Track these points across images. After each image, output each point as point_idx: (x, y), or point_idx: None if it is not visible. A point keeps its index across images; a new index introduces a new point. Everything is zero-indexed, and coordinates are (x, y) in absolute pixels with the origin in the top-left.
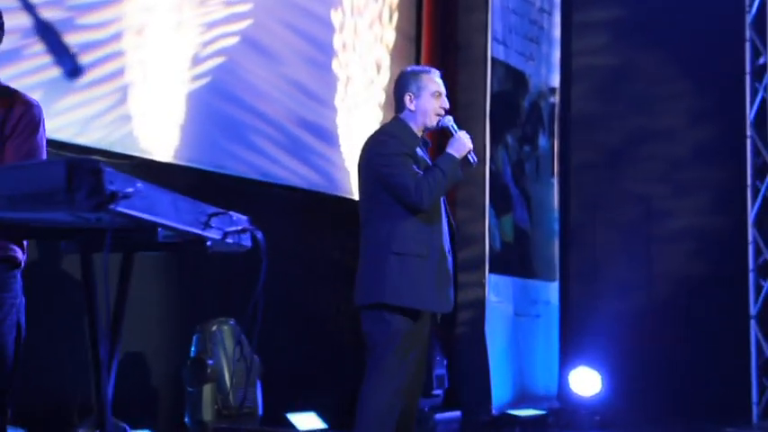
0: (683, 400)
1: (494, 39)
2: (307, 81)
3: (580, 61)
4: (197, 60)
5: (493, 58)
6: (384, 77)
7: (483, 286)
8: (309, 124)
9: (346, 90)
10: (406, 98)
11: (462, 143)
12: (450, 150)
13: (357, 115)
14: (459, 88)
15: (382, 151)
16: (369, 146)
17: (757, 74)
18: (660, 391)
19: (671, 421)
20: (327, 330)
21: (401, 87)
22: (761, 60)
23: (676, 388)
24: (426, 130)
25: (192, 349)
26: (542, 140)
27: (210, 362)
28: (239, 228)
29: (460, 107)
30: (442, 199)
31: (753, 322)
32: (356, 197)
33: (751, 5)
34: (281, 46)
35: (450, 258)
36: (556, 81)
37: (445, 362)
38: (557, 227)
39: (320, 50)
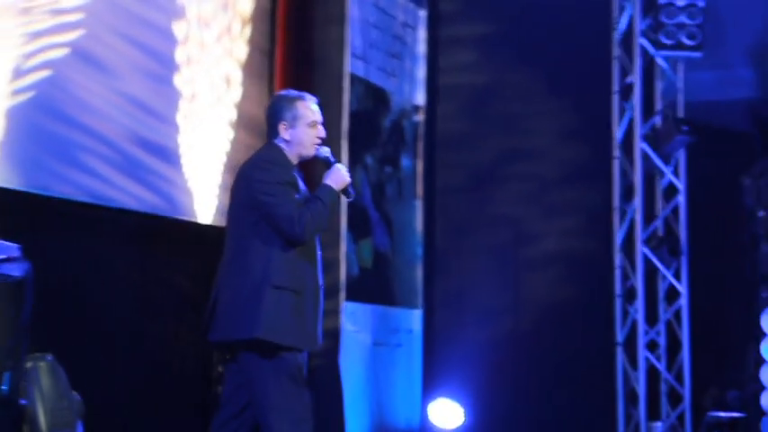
0: (549, 431)
1: (353, 54)
2: (145, 97)
3: (446, 79)
4: (19, 73)
5: (352, 75)
6: (235, 93)
7: (338, 315)
8: (148, 143)
9: (190, 107)
10: (281, 127)
11: (341, 175)
12: (328, 182)
13: (202, 134)
14: None
15: (265, 178)
16: (248, 171)
17: (625, 93)
18: (525, 421)
19: None
20: (165, 361)
21: (274, 114)
22: (628, 79)
23: (542, 418)
24: (302, 159)
25: (3, 388)
26: (405, 161)
27: (24, 402)
28: (3, 257)
29: None
30: None
31: (619, 349)
32: (201, 220)
33: (619, 23)
34: (117, 59)
35: (321, 293)
36: (420, 99)
37: None
38: (420, 251)
39: (161, 64)
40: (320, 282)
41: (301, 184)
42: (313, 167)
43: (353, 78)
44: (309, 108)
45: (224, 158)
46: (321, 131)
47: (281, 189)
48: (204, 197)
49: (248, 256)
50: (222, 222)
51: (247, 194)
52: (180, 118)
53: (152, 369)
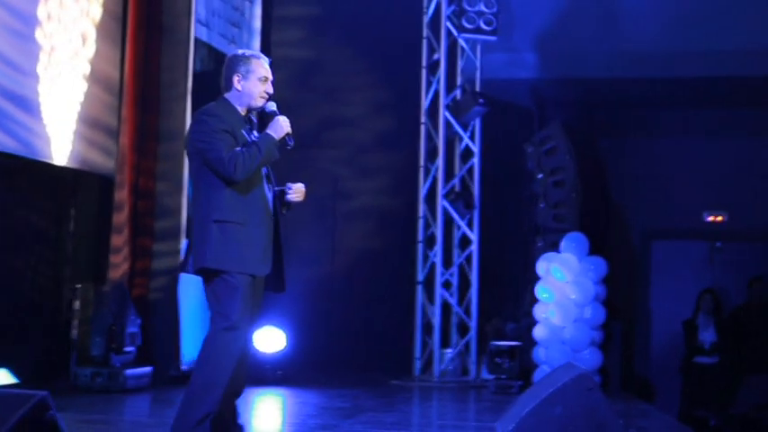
0: (357, 356)
1: (197, 20)
2: (6, 50)
3: (278, 52)
4: None
5: (196, 39)
6: (89, 50)
7: (178, 255)
8: (7, 92)
9: (50, 59)
10: (235, 78)
11: (281, 126)
12: (269, 131)
13: (61, 84)
14: (162, 68)
15: (201, 128)
16: (191, 126)
17: (432, 68)
18: (337, 348)
19: (346, 375)
20: (22, 291)
21: (230, 68)
22: (435, 57)
23: (352, 346)
24: (251, 110)
25: None
26: None
27: None
28: None
29: (163, 87)
30: (264, 171)
31: (419, 287)
32: (57, 163)
33: (428, 8)
34: None
35: (278, 227)
36: None
37: (139, 321)
38: None
39: (22, 20)
40: (269, 214)
41: (246, 132)
42: None
43: (197, 42)
44: (262, 65)
45: (78, 109)
46: (269, 87)
47: (214, 137)
48: (60, 143)
49: (198, 197)
50: (76, 166)
51: (190, 145)
52: (40, 69)
53: (10, 299)
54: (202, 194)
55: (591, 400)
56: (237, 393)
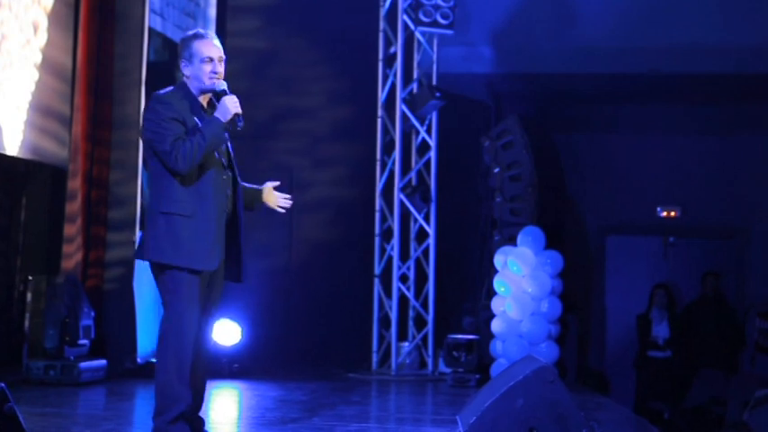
0: (314, 350)
1: (152, 10)
2: None
3: (233, 42)
4: None
5: (150, 29)
6: (41, 38)
7: (132, 245)
8: None
9: (0, 48)
10: (181, 64)
11: (227, 108)
12: (216, 114)
13: (12, 74)
14: (116, 57)
15: (149, 116)
16: (144, 112)
17: (389, 61)
18: (294, 341)
19: (303, 368)
20: None
21: (178, 54)
22: (392, 50)
23: (309, 339)
24: (204, 92)
25: None
26: None
27: None
28: None
29: (117, 75)
30: (220, 158)
31: (376, 281)
32: (9, 153)
33: (384, 1)
34: None
35: (237, 216)
36: None
37: (93, 313)
38: None
39: None
40: (224, 205)
41: (198, 117)
42: None
43: (152, 32)
44: (204, 45)
45: (30, 98)
46: (217, 67)
47: (162, 126)
48: (12, 132)
49: (150, 185)
50: (28, 156)
51: (142, 134)
52: None
53: None
54: (154, 184)
55: (552, 393)
56: (199, 392)
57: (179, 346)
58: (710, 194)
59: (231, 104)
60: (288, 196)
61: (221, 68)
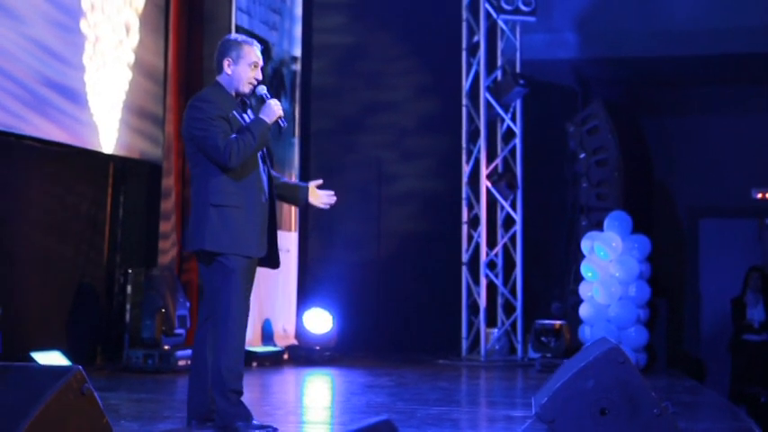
0: (404, 337)
1: (238, 8)
2: (51, 42)
3: (320, 39)
4: None
5: (237, 26)
6: (133, 40)
7: None
8: (54, 83)
9: (95, 49)
10: (225, 62)
11: (272, 110)
12: (261, 115)
13: (106, 74)
14: (205, 56)
15: (196, 115)
16: (186, 113)
17: (472, 50)
18: (384, 329)
19: (392, 355)
20: (73, 276)
21: (222, 52)
22: (475, 39)
23: (399, 327)
24: (239, 95)
25: None
26: (284, 103)
27: None
28: None
29: (207, 74)
30: (260, 153)
31: (464, 268)
32: (105, 151)
33: None
34: (23, 6)
35: (272, 206)
36: (297, 51)
37: (188, 304)
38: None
39: (65, 12)
40: (265, 198)
41: (245, 117)
42: None
43: (239, 29)
44: (253, 51)
45: (124, 98)
46: (258, 74)
47: (210, 123)
48: (107, 131)
49: (195, 181)
50: (123, 153)
51: (186, 132)
52: (86, 59)
53: (63, 284)
54: (200, 179)
55: (622, 373)
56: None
57: (242, 327)
58: None
59: (276, 107)
60: (331, 192)
61: (260, 76)
